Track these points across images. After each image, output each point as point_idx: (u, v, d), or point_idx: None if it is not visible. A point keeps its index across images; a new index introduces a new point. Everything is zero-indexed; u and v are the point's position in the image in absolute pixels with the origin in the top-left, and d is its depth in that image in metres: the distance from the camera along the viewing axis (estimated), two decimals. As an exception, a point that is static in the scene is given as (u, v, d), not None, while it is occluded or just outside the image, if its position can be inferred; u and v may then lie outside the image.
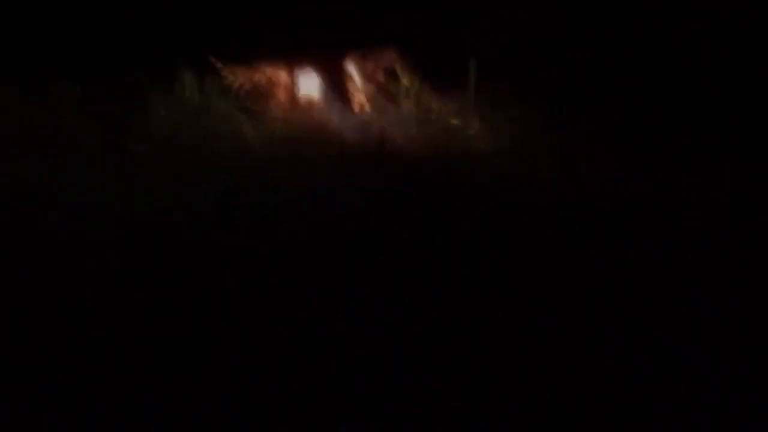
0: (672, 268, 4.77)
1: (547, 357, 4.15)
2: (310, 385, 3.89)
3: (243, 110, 6.33)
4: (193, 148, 5.93)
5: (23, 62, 6.28)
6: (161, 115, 6.23)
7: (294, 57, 6.56)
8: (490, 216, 5.15)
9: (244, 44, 6.44)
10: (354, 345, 4.18)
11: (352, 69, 6.69)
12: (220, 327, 4.26)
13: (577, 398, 3.85)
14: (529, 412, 3.78)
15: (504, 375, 3.99)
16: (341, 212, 5.23)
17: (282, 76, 6.63)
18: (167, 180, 5.55)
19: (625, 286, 4.56)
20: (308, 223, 5.10)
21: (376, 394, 3.88)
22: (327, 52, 6.58)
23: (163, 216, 5.17)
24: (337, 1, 6.45)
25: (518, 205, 5.29)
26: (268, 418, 3.76)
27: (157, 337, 4.18)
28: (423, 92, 6.47)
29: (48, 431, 3.65)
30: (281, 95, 6.62)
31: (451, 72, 6.38)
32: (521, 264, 4.75)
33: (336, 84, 6.64)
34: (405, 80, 6.52)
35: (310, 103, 6.62)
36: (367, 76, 6.68)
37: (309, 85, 6.67)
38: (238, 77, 6.50)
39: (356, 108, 6.63)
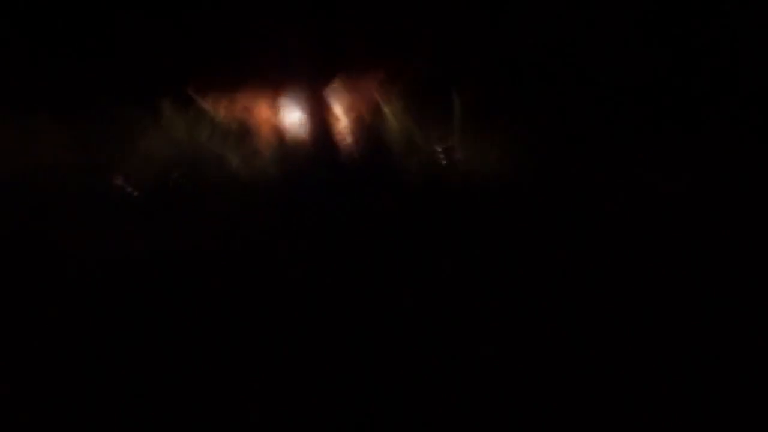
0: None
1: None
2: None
3: (227, 144, 6.29)
4: (179, 185, 5.91)
5: (5, 98, 6.26)
6: (147, 153, 6.14)
7: (277, 88, 6.51)
8: (476, 240, 5.19)
9: (226, 77, 6.39)
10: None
11: (334, 99, 6.68)
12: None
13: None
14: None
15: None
16: (330, 240, 5.24)
17: (265, 108, 6.58)
18: (157, 219, 5.54)
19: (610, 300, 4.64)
20: (298, 252, 5.11)
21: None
22: (309, 83, 6.54)
23: (153, 255, 5.12)
24: (318, 32, 6.46)
25: (503, 228, 5.33)
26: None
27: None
28: (406, 121, 6.46)
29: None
30: (264, 127, 6.57)
31: (434, 101, 6.37)
32: (506, 282, 4.81)
33: (319, 114, 6.60)
34: (388, 110, 6.53)
35: (294, 135, 6.57)
36: (349, 106, 6.68)
37: (293, 116, 6.61)
38: (222, 111, 6.46)
39: (339, 138, 6.62)
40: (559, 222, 5.33)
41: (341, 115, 6.62)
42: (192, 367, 4.22)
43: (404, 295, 4.71)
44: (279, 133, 6.56)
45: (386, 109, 6.52)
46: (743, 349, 4.27)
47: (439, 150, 6.35)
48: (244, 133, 6.43)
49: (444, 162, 6.29)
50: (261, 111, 6.59)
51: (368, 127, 6.53)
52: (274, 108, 6.60)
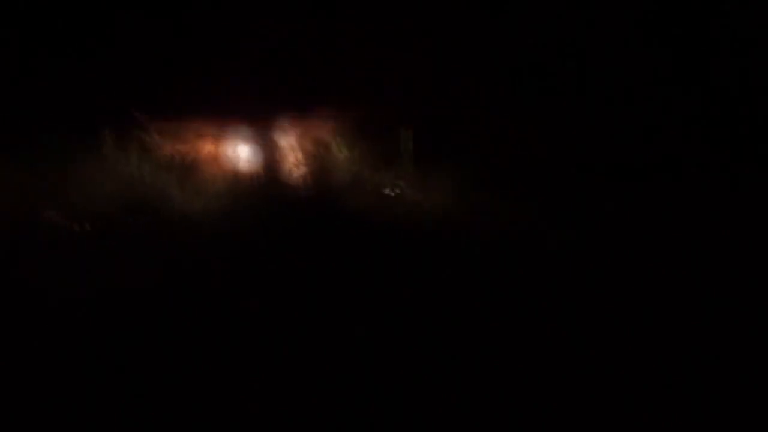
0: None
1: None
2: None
3: (172, 179, 6.16)
4: (120, 219, 5.79)
5: None
6: (90, 187, 5.99)
7: (224, 122, 6.40)
8: (425, 278, 5.20)
9: (172, 110, 6.26)
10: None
11: (282, 136, 6.58)
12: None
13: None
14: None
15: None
16: (276, 274, 5.20)
17: (211, 142, 6.46)
18: (96, 256, 5.41)
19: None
20: (245, 286, 5.07)
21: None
22: (257, 119, 6.45)
23: (94, 291, 5.05)
24: (269, 66, 6.38)
25: (453, 267, 5.34)
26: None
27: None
28: (354, 159, 6.40)
29: None
30: (210, 160, 6.44)
31: (382, 139, 6.33)
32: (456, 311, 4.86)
33: (266, 149, 6.50)
34: (336, 148, 6.46)
35: (241, 170, 6.48)
36: (298, 144, 6.56)
37: (240, 151, 6.53)
38: (167, 145, 6.33)
39: (288, 175, 6.53)
40: (508, 261, 5.37)
41: (288, 150, 6.56)
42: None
43: (356, 328, 4.75)
44: (225, 168, 6.47)
45: (333, 144, 6.48)
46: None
47: (387, 184, 6.32)
48: (189, 168, 6.30)
49: (391, 195, 6.27)
50: (207, 146, 6.48)
51: (315, 161, 6.48)
52: (221, 143, 6.50)
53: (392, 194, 6.28)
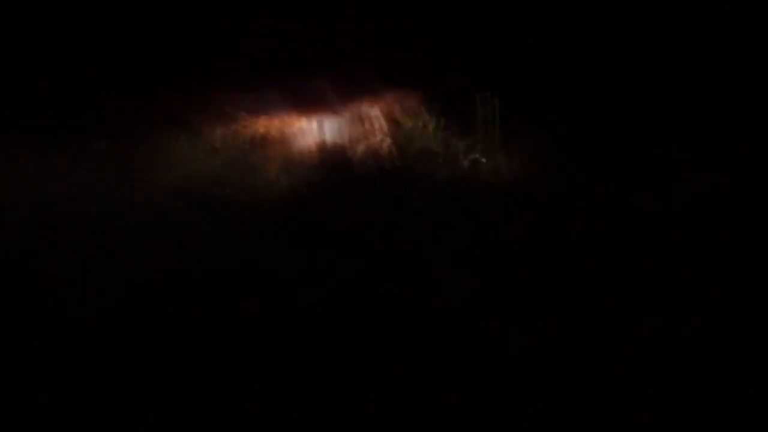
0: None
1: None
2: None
3: (266, 158, 6.33)
4: (221, 200, 5.93)
5: (48, 119, 6.31)
6: (188, 168, 6.22)
7: (315, 103, 6.58)
8: (517, 240, 5.20)
9: (264, 93, 6.46)
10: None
11: (373, 112, 6.71)
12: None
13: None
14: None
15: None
16: (370, 248, 5.22)
17: (304, 122, 6.63)
18: (198, 232, 5.52)
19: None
20: (332, 259, 5.10)
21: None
22: (347, 96, 6.59)
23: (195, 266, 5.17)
24: (356, 46, 6.48)
25: (541, 232, 5.33)
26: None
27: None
28: (445, 130, 6.49)
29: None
30: (304, 141, 6.61)
31: (472, 109, 6.41)
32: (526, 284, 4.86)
33: (358, 127, 6.65)
34: (426, 120, 6.56)
35: (333, 148, 6.62)
36: (388, 118, 6.70)
37: (331, 129, 6.68)
38: (260, 126, 6.53)
39: (379, 149, 6.65)
40: (595, 224, 5.36)
41: (381, 127, 6.65)
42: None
43: (434, 299, 4.73)
44: (320, 147, 6.61)
45: (416, 116, 6.56)
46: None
47: (479, 157, 6.36)
48: (283, 147, 6.47)
49: (470, 167, 6.31)
50: (301, 125, 6.64)
51: (399, 134, 6.56)
52: (314, 122, 6.65)
53: (478, 162, 6.33)
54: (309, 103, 6.61)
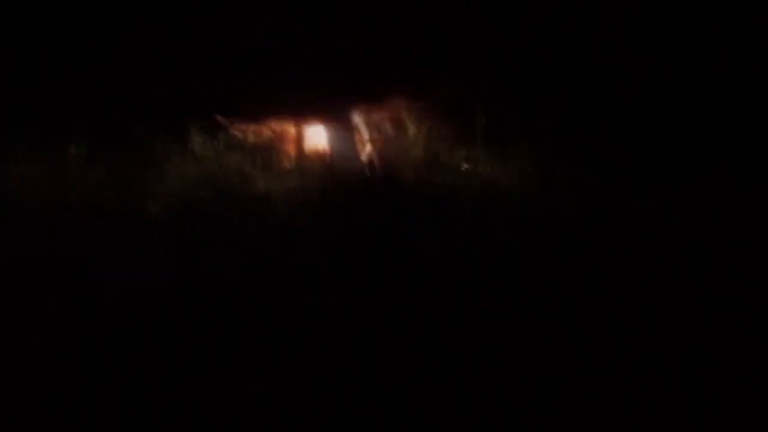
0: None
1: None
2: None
3: (253, 165, 6.33)
4: (207, 206, 5.94)
5: (37, 124, 6.31)
6: (174, 174, 6.24)
7: (301, 110, 6.58)
8: (502, 255, 5.19)
9: (251, 100, 6.46)
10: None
11: (359, 120, 6.69)
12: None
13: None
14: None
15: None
16: (356, 260, 5.21)
17: (290, 129, 6.65)
18: (184, 239, 5.52)
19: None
20: (320, 275, 5.09)
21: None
22: (334, 104, 6.59)
23: (182, 276, 5.13)
24: (342, 53, 6.47)
25: (529, 243, 5.32)
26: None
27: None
28: (431, 139, 6.48)
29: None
30: (290, 149, 6.63)
31: (457, 118, 6.40)
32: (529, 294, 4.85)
33: (344, 135, 6.64)
34: (412, 128, 6.54)
35: (319, 155, 6.63)
36: (374, 126, 6.67)
37: (317, 137, 6.70)
38: (247, 133, 6.55)
39: (365, 158, 6.64)
40: (584, 235, 5.35)
41: (367, 136, 6.66)
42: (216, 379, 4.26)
43: (426, 307, 4.74)
44: (306, 155, 6.64)
45: (410, 128, 6.55)
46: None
47: (464, 165, 6.35)
48: (270, 154, 6.47)
49: (468, 176, 6.29)
50: (287, 133, 6.66)
51: (393, 145, 6.55)
52: (300, 129, 6.67)
53: (468, 170, 6.33)
54: (303, 108, 6.61)
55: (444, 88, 6.43)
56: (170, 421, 3.93)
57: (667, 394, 4.00)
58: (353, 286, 4.93)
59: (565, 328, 4.48)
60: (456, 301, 4.76)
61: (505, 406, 3.95)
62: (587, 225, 5.45)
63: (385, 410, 3.94)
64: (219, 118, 6.47)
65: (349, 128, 6.67)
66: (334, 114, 6.63)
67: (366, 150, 6.68)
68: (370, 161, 6.60)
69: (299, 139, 6.69)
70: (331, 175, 6.33)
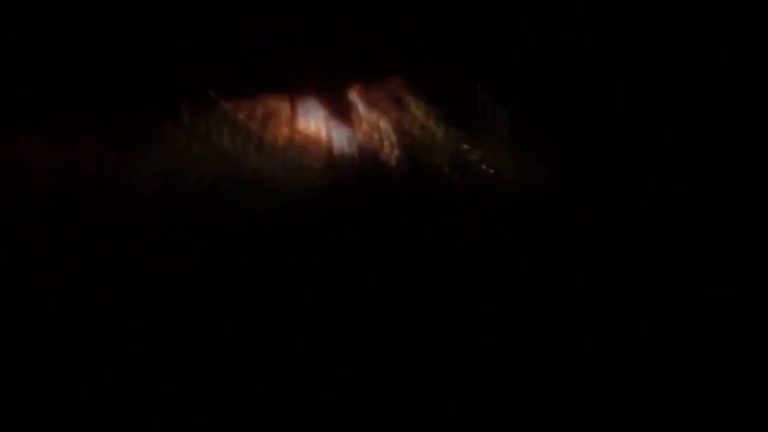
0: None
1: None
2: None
3: (248, 143, 6.31)
4: (200, 183, 5.94)
5: (28, 100, 6.32)
6: (167, 151, 6.20)
7: (297, 87, 6.51)
8: (500, 239, 5.17)
9: (246, 76, 6.41)
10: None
11: (356, 98, 6.65)
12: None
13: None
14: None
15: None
16: (349, 242, 5.20)
17: (285, 107, 6.58)
18: (177, 216, 5.56)
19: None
20: (316, 253, 5.08)
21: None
22: (330, 82, 6.51)
23: (174, 251, 5.14)
24: (341, 29, 6.44)
25: (527, 228, 5.31)
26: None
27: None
28: (430, 119, 6.44)
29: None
30: (285, 127, 6.56)
31: (458, 98, 6.34)
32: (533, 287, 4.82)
33: (341, 114, 6.58)
34: (411, 108, 6.50)
35: (315, 134, 6.56)
36: (372, 105, 6.65)
37: (313, 115, 6.61)
38: (242, 110, 6.49)
39: (362, 137, 6.59)
40: (585, 220, 5.33)
41: (364, 116, 6.61)
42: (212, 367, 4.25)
43: (431, 298, 4.72)
44: (301, 133, 6.56)
45: (410, 109, 6.52)
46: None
47: (465, 149, 6.32)
48: (265, 132, 6.43)
49: (470, 161, 6.26)
50: (282, 110, 6.59)
51: (392, 127, 6.52)
52: (296, 107, 6.60)
53: (469, 156, 6.26)
54: (288, 86, 6.56)
55: (444, 67, 6.41)
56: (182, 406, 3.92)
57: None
58: (349, 269, 4.92)
59: (574, 322, 4.48)
60: (457, 287, 4.75)
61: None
62: (592, 215, 5.45)
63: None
64: (212, 93, 6.41)
65: (345, 106, 6.63)
66: (331, 91, 6.59)
67: (363, 129, 6.64)
68: (367, 141, 6.56)
69: (295, 118, 6.65)
70: (327, 157, 6.32)
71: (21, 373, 4.25)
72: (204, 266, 4.94)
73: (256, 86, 6.48)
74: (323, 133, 6.57)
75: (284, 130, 6.57)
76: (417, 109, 6.49)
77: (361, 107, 6.64)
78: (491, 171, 6.22)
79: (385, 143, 6.49)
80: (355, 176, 6.04)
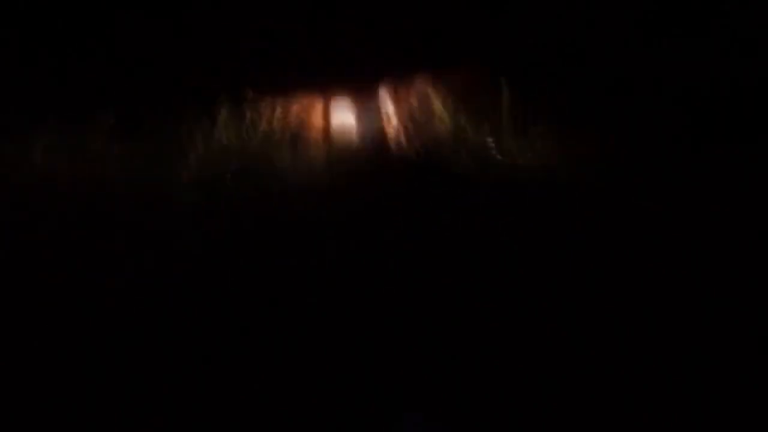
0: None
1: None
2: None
3: (279, 140, 6.35)
4: (233, 179, 5.96)
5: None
6: (200, 148, 6.26)
7: (328, 85, 6.57)
8: (528, 233, 5.17)
9: (278, 74, 6.44)
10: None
11: (385, 95, 6.66)
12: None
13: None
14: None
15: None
16: (384, 240, 5.19)
17: (316, 104, 6.63)
18: (211, 213, 5.56)
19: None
20: (347, 252, 5.08)
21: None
22: (360, 80, 6.56)
23: (206, 250, 5.14)
24: (369, 28, 6.46)
25: (556, 222, 5.31)
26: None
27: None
28: (458, 115, 6.44)
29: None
30: (317, 124, 6.60)
31: (484, 94, 6.36)
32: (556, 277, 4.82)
33: (370, 111, 6.61)
34: (439, 104, 6.52)
35: (345, 131, 6.60)
36: (400, 102, 6.65)
37: (344, 112, 6.66)
38: (274, 107, 6.52)
39: (392, 133, 6.60)
40: (611, 214, 5.33)
41: (393, 111, 6.61)
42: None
43: (451, 288, 4.72)
44: (332, 130, 6.60)
45: (436, 106, 6.52)
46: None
47: (491, 143, 6.32)
48: (296, 134, 6.46)
49: (496, 155, 6.26)
50: (314, 108, 6.63)
51: (419, 124, 6.53)
52: (327, 104, 6.65)
53: (495, 149, 6.26)
54: (319, 84, 6.61)
55: (469, 63, 6.42)
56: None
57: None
58: (377, 264, 4.92)
59: (584, 321, 4.48)
60: (484, 281, 4.74)
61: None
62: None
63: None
64: (247, 90, 6.46)
65: (376, 103, 6.65)
66: (360, 89, 6.61)
67: (392, 124, 6.65)
68: (397, 136, 6.58)
69: (326, 115, 6.66)
70: (358, 151, 6.35)
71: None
72: (225, 265, 4.96)
73: (288, 84, 6.54)
74: (352, 131, 6.61)
75: (312, 129, 6.61)
76: (443, 106, 6.52)
77: (389, 105, 6.67)
78: (509, 162, 6.22)
79: (413, 140, 6.51)
80: (382, 172, 6.06)
